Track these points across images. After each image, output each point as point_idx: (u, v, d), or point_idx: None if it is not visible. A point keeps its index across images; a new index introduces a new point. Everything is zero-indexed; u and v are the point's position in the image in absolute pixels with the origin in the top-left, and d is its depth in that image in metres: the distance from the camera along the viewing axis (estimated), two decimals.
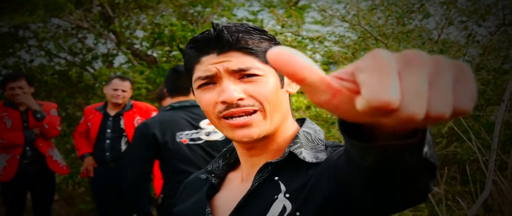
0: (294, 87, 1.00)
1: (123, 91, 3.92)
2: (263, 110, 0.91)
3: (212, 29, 0.93)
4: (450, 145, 4.59)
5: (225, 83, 0.91)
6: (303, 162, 0.93)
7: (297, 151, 0.94)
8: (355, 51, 4.69)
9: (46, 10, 5.66)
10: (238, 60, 0.92)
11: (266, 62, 0.93)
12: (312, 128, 1.02)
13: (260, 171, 0.95)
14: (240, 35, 0.93)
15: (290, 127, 1.00)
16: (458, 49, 4.34)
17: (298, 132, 0.99)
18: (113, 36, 6.65)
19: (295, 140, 0.97)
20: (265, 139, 0.95)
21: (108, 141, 3.94)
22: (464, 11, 4.30)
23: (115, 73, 6.21)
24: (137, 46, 6.80)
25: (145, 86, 5.76)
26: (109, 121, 3.97)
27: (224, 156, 1.09)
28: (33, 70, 6.57)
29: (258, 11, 7.11)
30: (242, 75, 0.91)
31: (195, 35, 0.98)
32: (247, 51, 0.93)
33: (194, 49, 0.95)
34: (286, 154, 0.94)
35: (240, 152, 1.02)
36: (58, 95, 6.66)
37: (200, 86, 0.94)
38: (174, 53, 6.27)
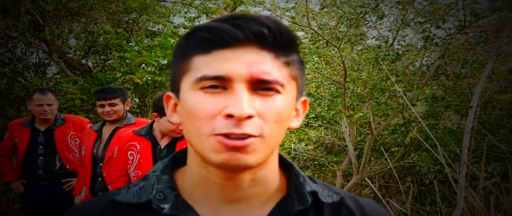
0: (297, 123, 0.78)
1: (49, 105, 3.66)
2: (263, 137, 0.69)
3: (234, 17, 0.70)
4: (407, 156, 4.42)
5: (239, 92, 0.67)
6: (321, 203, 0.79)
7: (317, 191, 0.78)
8: (305, 56, 4.50)
9: None
10: (267, 66, 0.69)
11: (293, 76, 0.73)
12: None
13: None
14: (289, 34, 0.72)
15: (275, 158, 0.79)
16: (416, 53, 4.15)
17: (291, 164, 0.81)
18: (44, 45, 6.44)
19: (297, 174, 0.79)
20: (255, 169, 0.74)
21: (41, 158, 3.72)
22: (422, 11, 4.11)
23: (47, 84, 6.01)
24: (70, 55, 6.61)
25: (80, 97, 5.63)
26: (40, 137, 3.73)
27: (169, 181, 0.78)
28: None
29: (195, 18, 7.00)
30: (259, 86, 0.69)
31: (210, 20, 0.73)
32: (285, 56, 0.72)
33: (211, 33, 0.69)
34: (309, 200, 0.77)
35: (213, 180, 0.75)
36: None
37: (205, 87, 0.69)
38: (109, 61, 6.15)
